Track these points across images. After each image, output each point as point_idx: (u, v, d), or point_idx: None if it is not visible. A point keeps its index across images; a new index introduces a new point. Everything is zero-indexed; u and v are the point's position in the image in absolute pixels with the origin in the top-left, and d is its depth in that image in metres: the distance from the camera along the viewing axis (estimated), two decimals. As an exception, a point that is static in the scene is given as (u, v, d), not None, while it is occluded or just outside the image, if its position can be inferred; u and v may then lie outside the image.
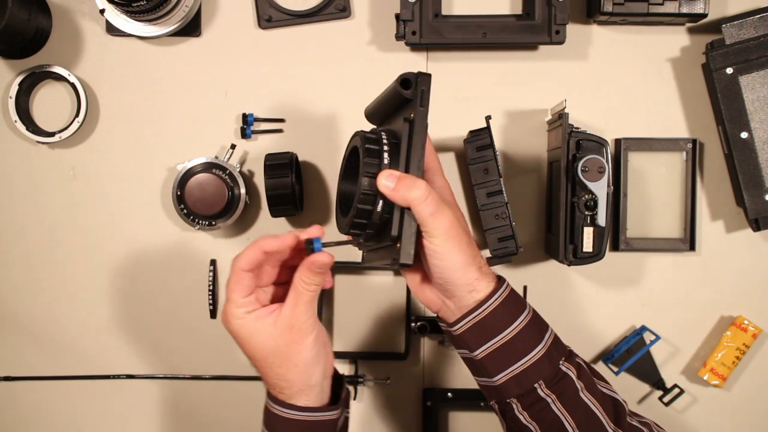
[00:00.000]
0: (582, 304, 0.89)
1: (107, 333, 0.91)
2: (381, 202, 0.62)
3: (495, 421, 0.68)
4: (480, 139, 0.81)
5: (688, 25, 0.86)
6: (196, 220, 0.85)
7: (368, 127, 0.72)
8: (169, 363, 0.91)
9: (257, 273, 0.64)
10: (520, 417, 0.64)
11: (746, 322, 0.86)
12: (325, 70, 0.88)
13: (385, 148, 0.63)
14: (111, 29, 0.88)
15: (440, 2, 0.85)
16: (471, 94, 0.88)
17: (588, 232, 0.79)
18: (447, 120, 0.87)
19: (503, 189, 0.80)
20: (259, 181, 0.88)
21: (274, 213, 0.85)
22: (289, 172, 0.82)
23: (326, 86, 0.89)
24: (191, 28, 0.88)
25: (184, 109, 0.89)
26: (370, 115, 0.73)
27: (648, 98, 0.87)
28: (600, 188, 0.77)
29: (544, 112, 0.88)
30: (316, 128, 0.89)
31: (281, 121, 0.89)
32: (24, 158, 0.90)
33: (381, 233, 0.65)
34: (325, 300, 0.90)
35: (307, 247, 0.62)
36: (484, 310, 0.63)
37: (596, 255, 0.79)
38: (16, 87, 0.87)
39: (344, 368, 0.90)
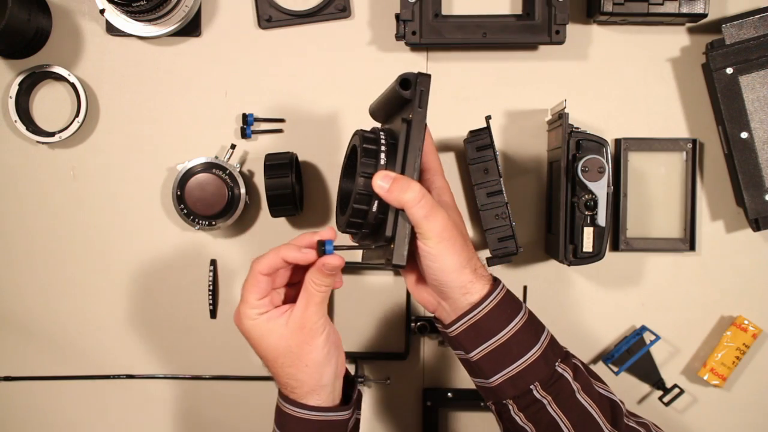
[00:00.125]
0: (582, 304, 0.89)
1: (107, 333, 0.91)
2: (376, 202, 0.63)
3: (494, 422, 0.68)
4: (480, 139, 0.81)
5: (688, 25, 0.86)
6: (196, 220, 0.85)
7: (371, 124, 0.72)
8: (169, 363, 0.91)
9: (273, 277, 0.64)
10: (517, 418, 0.64)
11: (746, 322, 0.86)
12: (325, 70, 0.88)
13: (383, 148, 0.63)
14: (111, 29, 0.88)
15: (440, 2, 0.85)
16: (471, 94, 0.88)
17: (588, 232, 0.79)
18: (447, 120, 0.87)
19: (503, 189, 0.80)
20: (259, 181, 0.88)
21: (274, 213, 0.85)
22: (289, 172, 0.82)
23: (326, 86, 0.89)
24: (191, 28, 0.88)
25: (184, 109, 0.89)
26: (374, 112, 0.73)
27: (648, 98, 0.87)
28: (600, 188, 0.77)
29: (544, 112, 0.88)
30: (316, 128, 0.89)
31: (281, 121, 0.89)
32: (24, 158, 0.90)
33: (377, 233, 0.65)
34: (325, 300, 0.90)
35: (318, 249, 0.62)
36: (478, 313, 0.63)
37: (596, 255, 0.79)
38: (16, 87, 0.87)
39: (344, 368, 0.90)
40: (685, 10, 0.81)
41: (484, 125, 0.81)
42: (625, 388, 0.88)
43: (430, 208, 0.61)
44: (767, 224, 0.83)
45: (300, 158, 0.88)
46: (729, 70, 0.82)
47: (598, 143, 0.78)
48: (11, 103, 0.87)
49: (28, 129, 0.88)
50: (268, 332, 0.63)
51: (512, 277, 0.89)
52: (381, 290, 0.90)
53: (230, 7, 0.89)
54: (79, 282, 0.91)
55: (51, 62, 0.88)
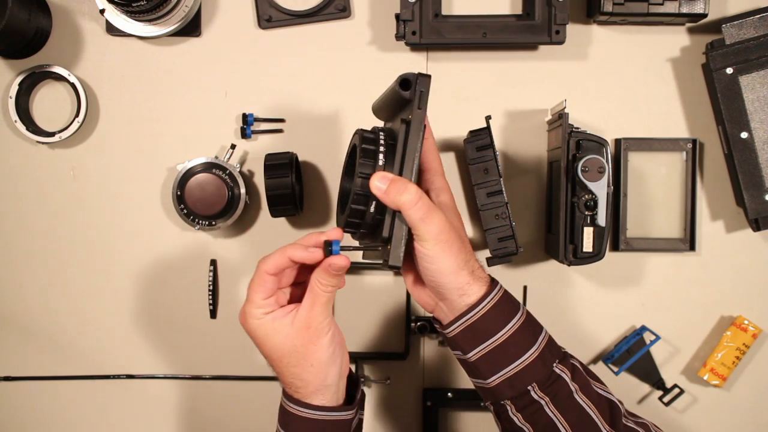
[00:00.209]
0: (582, 304, 0.89)
1: (107, 333, 0.91)
2: (374, 203, 0.63)
3: (494, 422, 0.68)
4: (480, 139, 0.81)
5: (688, 25, 0.86)
6: (196, 220, 0.85)
7: (371, 124, 0.72)
8: (169, 363, 0.91)
9: (279, 276, 0.65)
10: (515, 419, 0.64)
11: (746, 322, 0.86)
12: (325, 70, 0.88)
13: (381, 149, 0.63)
14: (111, 29, 0.88)
15: (440, 2, 0.85)
16: (471, 94, 0.88)
17: (588, 232, 0.79)
18: (447, 120, 0.87)
19: (503, 189, 0.80)
20: (259, 181, 0.88)
21: (274, 213, 0.85)
22: (289, 172, 0.82)
23: (326, 86, 0.89)
24: (191, 28, 0.88)
25: (184, 109, 0.89)
26: (376, 111, 0.73)
27: (648, 98, 0.87)
28: (600, 188, 0.77)
29: (544, 112, 0.88)
30: (316, 128, 0.89)
31: (281, 121, 0.89)
32: (24, 158, 0.90)
33: (374, 233, 0.65)
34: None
35: (325, 249, 0.62)
36: (475, 314, 0.63)
37: (596, 255, 0.79)
38: (16, 87, 0.87)
39: (344, 368, 0.90)
40: (685, 10, 0.81)
41: (484, 125, 0.81)
42: (625, 388, 0.88)
43: (426, 211, 0.61)
44: (767, 224, 0.83)
45: (300, 158, 0.88)
46: (729, 70, 0.82)
47: (598, 143, 0.78)
48: (11, 103, 0.87)
49: (28, 129, 0.88)
50: (273, 332, 0.63)
51: (512, 277, 0.89)
52: (381, 290, 0.90)
53: (230, 7, 0.89)
54: (79, 282, 0.91)
55: (51, 62, 0.88)
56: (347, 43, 0.88)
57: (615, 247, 0.87)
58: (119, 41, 0.89)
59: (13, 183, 0.90)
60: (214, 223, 0.85)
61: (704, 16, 0.82)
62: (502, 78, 0.88)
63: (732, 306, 0.88)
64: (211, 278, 0.89)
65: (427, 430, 0.89)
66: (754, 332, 0.86)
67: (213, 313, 0.90)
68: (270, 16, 0.88)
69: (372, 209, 0.63)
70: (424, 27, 0.83)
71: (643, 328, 0.87)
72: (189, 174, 0.84)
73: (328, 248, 0.62)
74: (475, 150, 0.82)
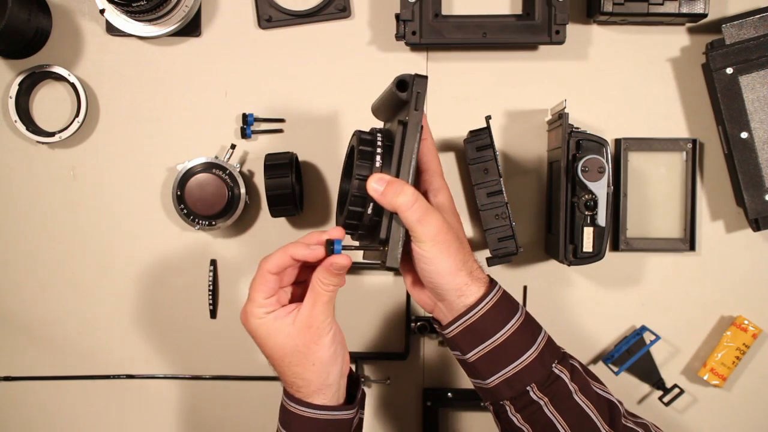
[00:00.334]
0: (582, 304, 0.89)
1: (107, 333, 0.91)
2: (371, 204, 0.63)
3: (494, 422, 0.68)
4: (480, 139, 0.81)
5: (688, 25, 0.86)
6: (196, 220, 0.85)
7: (371, 124, 0.72)
8: (169, 363, 0.91)
9: (281, 276, 0.64)
10: (514, 419, 0.64)
11: (746, 322, 0.86)
12: (325, 70, 0.88)
13: (378, 150, 0.63)
14: (111, 29, 0.88)
15: (440, 2, 0.85)
16: (471, 94, 0.88)
17: (588, 232, 0.79)
18: (447, 120, 0.87)
19: (503, 189, 0.80)
20: (259, 181, 0.88)
21: (274, 213, 0.85)
22: (289, 172, 0.82)
23: (326, 86, 0.89)
24: (191, 28, 0.88)
25: (184, 109, 0.89)
26: (375, 111, 0.73)
27: (648, 98, 0.87)
28: (600, 188, 0.77)
29: (544, 112, 0.88)
30: (316, 128, 0.89)
31: (281, 121, 0.89)
32: (24, 158, 0.90)
33: (372, 234, 0.65)
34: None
35: (327, 248, 0.62)
36: (473, 315, 0.63)
37: (596, 255, 0.79)
38: (16, 87, 0.87)
39: (344, 368, 0.90)
40: (685, 10, 0.81)
41: (484, 125, 0.81)
42: (625, 388, 0.88)
43: (423, 212, 0.61)
44: (767, 224, 0.83)
45: (300, 158, 0.88)
46: (729, 70, 0.82)
47: (598, 143, 0.78)
48: (11, 103, 0.87)
49: (28, 129, 0.88)
50: (275, 331, 0.63)
51: (512, 277, 0.89)
52: (381, 290, 0.90)
53: (230, 7, 0.89)
54: (79, 282, 0.91)
55: (51, 62, 0.88)
56: (347, 43, 0.88)
57: (615, 247, 0.87)
58: (119, 41, 0.89)
59: (13, 183, 0.90)
60: (214, 223, 0.85)
61: (704, 16, 0.82)
62: (502, 78, 0.88)
63: (732, 306, 0.88)
64: (211, 278, 0.89)
65: (427, 430, 0.89)
66: (754, 332, 0.86)
67: (213, 313, 0.90)
68: (270, 16, 0.88)
69: (369, 211, 0.63)
70: (424, 27, 0.83)
71: (643, 328, 0.87)
72: (189, 174, 0.85)
73: (330, 247, 0.62)
74: (475, 150, 0.82)
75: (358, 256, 0.74)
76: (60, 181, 0.90)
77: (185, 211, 0.84)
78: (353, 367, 0.88)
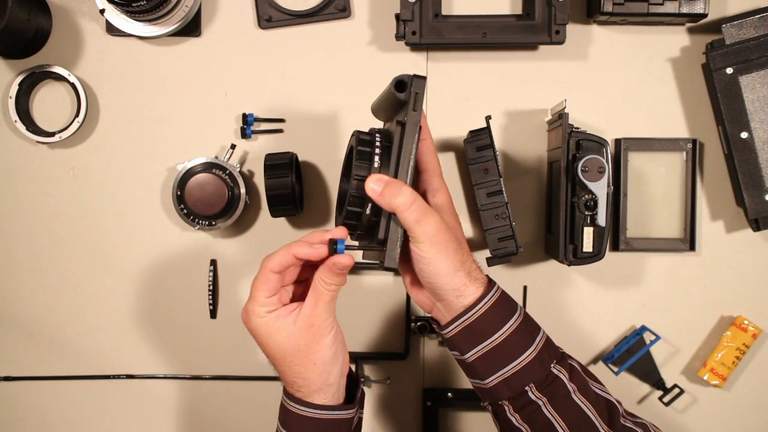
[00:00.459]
0: (582, 304, 0.89)
1: (107, 333, 0.91)
2: (370, 205, 0.63)
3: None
4: (480, 139, 0.81)
5: (688, 25, 0.86)
6: (196, 220, 0.85)
7: (371, 124, 0.72)
8: (169, 363, 0.91)
9: (282, 274, 0.64)
10: (512, 419, 0.64)
11: (746, 322, 0.86)
12: (325, 70, 0.88)
13: (377, 150, 0.63)
14: (111, 29, 0.88)
15: (440, 2, 0.85)
16: (471, 94, 0.88)
17: (588, 232, 0.79)
18: (447, 120, 0.87)
19: (503, 189, 0.80)
20: (259, 181, 0.88)
21: (274, 213, 0.85)
22: (289, 172, 0.82)
23: (326, 86, 0.89)
24: (191, 28, 0.88)
25: (184, 109, 0.89)
26: (375, 112, 0.73)
27: (648, 98, 0.87)
28: (600, 188, 0.77)
29: (544, 112, 0.88)
30: (316, 128, 0.89)
31: (281, 121, 0.89)
32: (24, 158, 0.90)
33: (371, 234, 0.65)
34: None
35: (330, 248, 0.62)
36: (471, 315, 0.63)
37: (596, 255, 0.79)
38: (16, 87, 0.87)
39: (344, 368, 0.90)
40: (685, 10, 0.81)
41: (484, 125, 0.81)
42: (625, 388, 0.88)
43: (421, 213, 0.61)
44: (767, 224, 0.83)
45: (300, 158, 0.88)
46: (729, 70, 0.82)
47: (598, 143, 0.78)
48: (11, 103, 0.87)
49: (28, 129, 0.88)
50: (276, 330, 0.63)
51: (512, 277, 0.89)
52: (381, 290, 0.90)
53: (230, 7, 0.89)
54: (79, 282, 0.91)
55: (51, 62, 0.88)
56: (347, 43, 0.88)
57: (615, 247, 0.87)
58: (119, 41, 0.89)
59: (13, 183, 0.90)
60: (214, 223, 0.85)
61: (704, 16, 0.82)
62: (502, 78, 0.88)
63: (732, 306, 0.88)
64: (211, 278, 0.89)
65: (427, 430, 0.89)
66: (754, 332, 0.86)
67: (213, 313, 0.90)
68: (270, 16, 0.88)
69: (368, 211, 0.63)
70: (424, 27, 0.83)
71: (643, 328, 0.87)
72: (189, 174, 0.85)
73: (333, 247, 0.62)
74: (475, 150, 0.82)
75: (358, 255, 0.74)
76: (60, 181, 0.90)
77: (185, 211, 0.85)
78: (353, 367, 0.88)
